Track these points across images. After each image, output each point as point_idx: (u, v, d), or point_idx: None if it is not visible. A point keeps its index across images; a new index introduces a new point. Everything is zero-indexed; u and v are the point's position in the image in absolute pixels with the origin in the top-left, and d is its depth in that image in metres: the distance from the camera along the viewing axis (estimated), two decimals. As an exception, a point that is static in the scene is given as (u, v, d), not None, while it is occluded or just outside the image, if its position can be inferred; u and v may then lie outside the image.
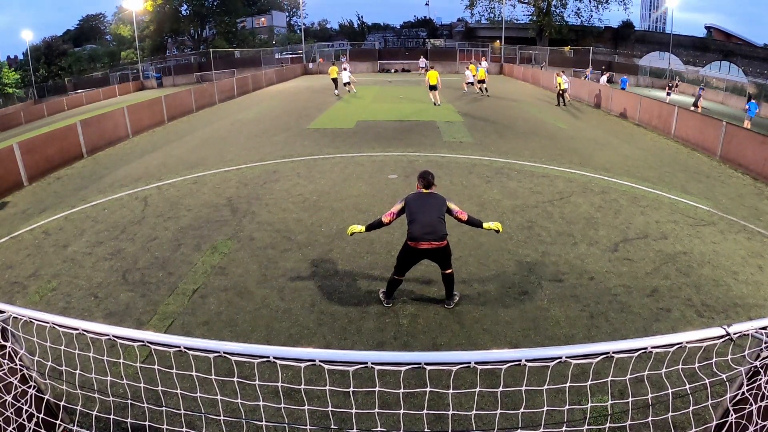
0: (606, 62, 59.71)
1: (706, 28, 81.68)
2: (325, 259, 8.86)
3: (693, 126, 19.17)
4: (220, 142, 19.13)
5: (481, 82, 32.49)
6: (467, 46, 66.29)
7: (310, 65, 59.30)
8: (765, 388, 3.30)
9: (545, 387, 3.52)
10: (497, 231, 7.09)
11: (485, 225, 7.03)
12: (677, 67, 59.70)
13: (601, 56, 62.82)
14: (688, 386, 3.64)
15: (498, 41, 65.57)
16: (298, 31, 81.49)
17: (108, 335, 3.30)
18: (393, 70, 56.92)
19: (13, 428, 3.89)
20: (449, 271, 7.11)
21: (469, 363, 2.96)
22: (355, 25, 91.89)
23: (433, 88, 27.79)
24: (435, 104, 27.32)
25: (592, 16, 74.78)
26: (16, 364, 3.92)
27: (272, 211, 11.18)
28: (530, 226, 10.20)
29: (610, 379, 3.81)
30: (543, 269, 8.45)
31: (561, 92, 28.75)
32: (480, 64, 39.70)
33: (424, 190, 6.97)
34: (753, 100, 28.82)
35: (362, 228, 7.10)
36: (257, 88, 39.13)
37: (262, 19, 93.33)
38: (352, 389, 5.08)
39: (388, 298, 7.35)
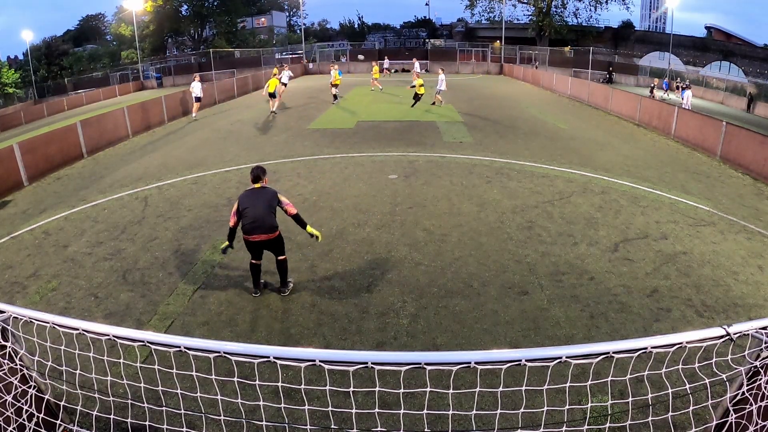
0: (606, 62, 59.75)
1: (706, 28, 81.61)
2: (325, 259, 8.86)
3: (693, 126, 19.17)
4: (220, 142, 19.13)
5: (335, 86, 30.18)
6: (467, 46, 66.29)
7: (310, 65, 59.34)
8: (765, 388, 3.30)
9: (545, 387, 3.53)
10: (316, 239, 7.68)
11: (308, 228, 7.63)
12: (677, 67, 59.68)
13: (601, 56, 62.81)
14: (688, 386, 3.65)
15: (498, 41, 65.54)
16: (298, 32, 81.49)
17: (108, 335, 3.30)
18: (393, 70, 56.93)
19: (14, 428, 3.90)
20: (282, 257, 7.65)
21: (470, 363, 2.96)
22: (356, 25, 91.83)
23: (272, 95, 25.42)
24: (272, 112, 25.39)
25: (591, 16, 74.57)
26: (16, 364, 3.92)
27: (272, 211, 11.16)
28: (530, 227, 10.20)
29: (610, 379, 3.81)
30: (543, 269, 8.45)
31: (333, 85, 28.07)
32: (415, 68, 39.19)
33: (256, 186, 7.50)
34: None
35: (226, 242, 7.54)
36: (257, 88, 39.12)
37: (263, 19, 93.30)
38: (352, 389, 5.08)
39: (255, 287, 7.75)
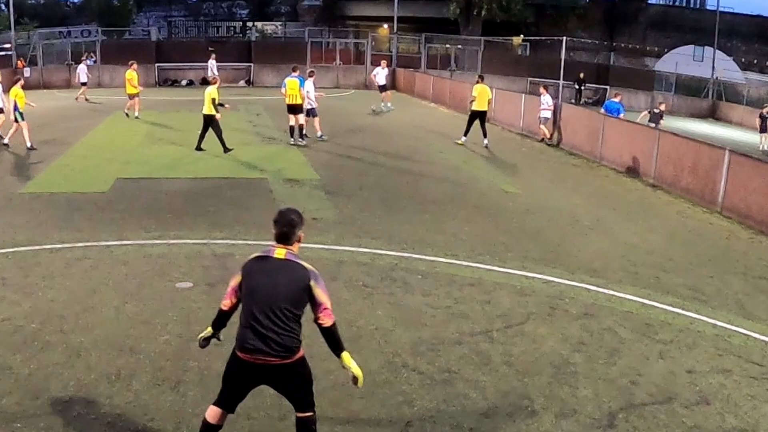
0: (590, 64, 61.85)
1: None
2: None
3: (760, 186, 19.64)
4: None
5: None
6: (328, 35, 67.29)
7: (27, 72, 58.91)
8: None
9: None
10: (354, 380, 7.18)
11: (344, 357, 7.18)
12: (729, 74, 62.22)
13: (585, 53, 65.22)
14: None
15: (386, 25, 67.11)
16: (5, 9, 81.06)
17: None
18: (185, 82, 57.55)
19: None
20: (306, 415, 7.20)
21: None
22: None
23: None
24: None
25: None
26: None
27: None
28: (447, 381, 10.24)
29: None
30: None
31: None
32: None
33: (276, 251, 7.30)
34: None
35: (210, 330, 7.96)
36: None
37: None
38: None
39: None
